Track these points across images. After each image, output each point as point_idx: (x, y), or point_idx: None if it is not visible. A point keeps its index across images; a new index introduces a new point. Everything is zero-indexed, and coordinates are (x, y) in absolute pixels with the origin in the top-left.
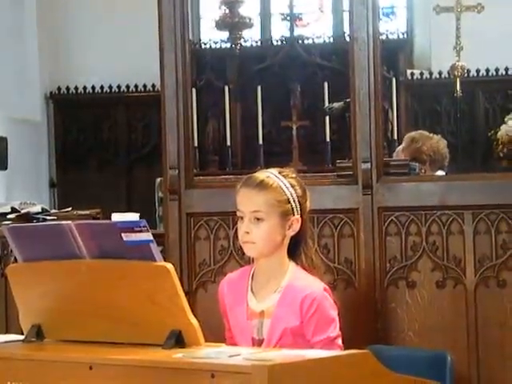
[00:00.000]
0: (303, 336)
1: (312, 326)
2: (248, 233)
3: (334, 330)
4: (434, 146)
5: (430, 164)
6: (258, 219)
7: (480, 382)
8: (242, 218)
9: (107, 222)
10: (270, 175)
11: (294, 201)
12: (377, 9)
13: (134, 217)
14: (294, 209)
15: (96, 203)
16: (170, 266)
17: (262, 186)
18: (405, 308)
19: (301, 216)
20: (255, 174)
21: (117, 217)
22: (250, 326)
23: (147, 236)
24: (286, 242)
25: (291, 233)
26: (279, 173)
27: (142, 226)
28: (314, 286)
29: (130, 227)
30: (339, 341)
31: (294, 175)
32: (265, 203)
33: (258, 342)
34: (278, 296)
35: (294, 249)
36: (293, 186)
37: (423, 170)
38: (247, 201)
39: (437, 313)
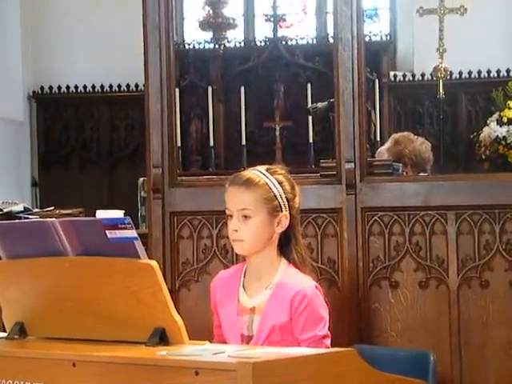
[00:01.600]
0: (292, 333)
1: (301, 323)
2: (236, 231)
3: (323, 330)
4: (416, 149)
5: (412, 167)
6: (245, 217)
7: (462, 382)
8: (230, 216)
9: (91, 218)
10: (256, 172)
11: (281, 197)
12: (361, 9)
13: (118, 214)
14: (282, 205)
15: (78, 203)
16: (154, 263)
17: (248, 183)
18: (388, 308)
19: (289, 212)
20: (242, 171)
21: (101, 214)
22: (240, 322)
23: (131, 233)
24: (276, 238)
25: (280, 229)
26: (267, 170)
27: (126, 223)
28: (305, 283)
29: (115, 224)
30: (327, 341)
31: (282, 171)
32: (252, 201)
33: (247, 339)
34: (269, 292)
35: (285, 245)
36: (280, 183)
37: (405, 173)
38: (234, 199)
39: (419, 313)
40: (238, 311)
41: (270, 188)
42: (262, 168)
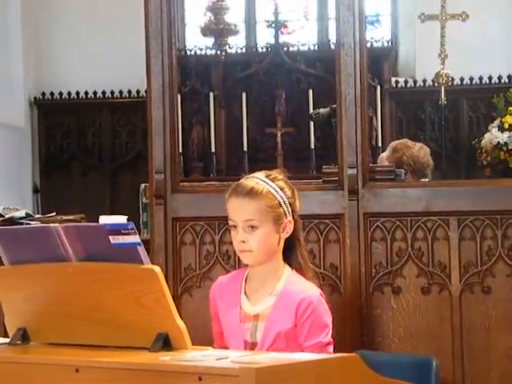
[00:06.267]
0: (296, 340)
1: (305, 330)
2: (244, 242)
3: (326, 337)
4: (414, 155)
5: (412, 173)
6: (252, 227)
7: None
8: (234, 226)
9: (95, 224)
10: (258, 181)
11: (285, 204)
12: (363, 15)
13: (121, 219)
14: (286, 212)
15: (80, 209)
16: (157, 268)
17: (252, 193)
18: (390, 314)
19: (292, 217)
20: (243, 181)
21: (104, 219)
22: (243, 329)
23: (135, 239)
24: (281, 244)
25: (286, 235)
26: (267, 176)
27: (129, 228)
28: (310, 290)
29: (118, 229)
30: (331, 348)
31: (281, 177)
32: (257, 211)
33: (250, 346)
34: (274, 299)
35: (288, 249)
36: (282, 189)
37: (406, 179)
38: (239, 210)
39: (422, 318)
40: (241, 318)
41: (274, 196)
42: (261, 175)
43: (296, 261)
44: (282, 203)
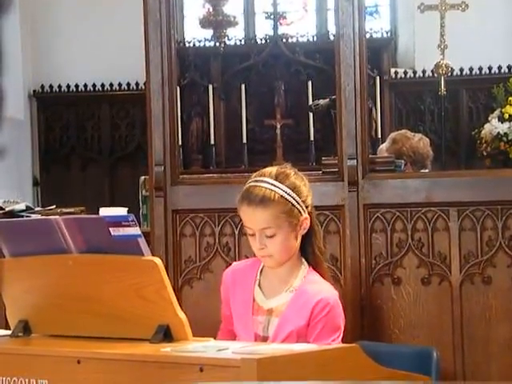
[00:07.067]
0: (307, 339)
1: (317, 330)
2: (263, 248)
3: (337, 339)
4: (413, 146)
5: (411, 164)
6: (269, 234)
7: (465, 378)
8: (252, 234)
9: (95, 216)
10: (269, 187)
11: (298, 204)
12: (362, 6)
13: (122, 211)
14: (301, 210)
15: (79, 202)
16: (157, 260)
17: (264, 202)
18: (390, 305)
19: (308, 211)
20: (253, 187)
21: (105, 211)
22: (255, 322)
23: (135, 230)
24: (299, 241)
25: (303, 231)
26: (276, 177)
27: (130, 220)
28: (328, 291)
29: (118, 222)
30: None
31: (292, 173)
32: (272, 219)
33: (261, 339)
34: (290, 296)
35: (305, 242)
36: (294, 188)
37: (406, 170)
38: (254, 219)
39: (422, 309)
40: (254, 310)
41: (287, 199)
42: (271, 176)
43: (313, 253)
44: (296, 204)
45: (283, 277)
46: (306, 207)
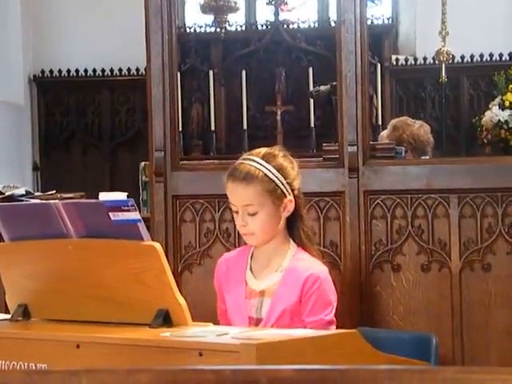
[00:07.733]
0: (300, 316)
1: (309, 306)
2: (245, 225)
3: (329, 314)
4: (414, 133)
5: (412, 151)
6: (251, 211)
7: (464, 365)
8: (235, 210)
9: (95, 200)
10: (254, 164)
11: (282, 184)
12: None
13: (121, 196)
14: (285, 191)
15: (79, 187)
16: (157, 245)
17: (248, 178)
18: (390, 291)
19: (293, 194)
20: (239, 164)
21: (104, 196)
22: (248, 305)
23: (135, 215)
24: (283, 222)
25: (287, 214)
26: (263, 157)
27: (129, 205)
28: (317, 266)
29: (118, 206)
30: (333, 327)
31: (281, 154)
32: (255, 195)
33: (255, 321)
34: (280, 275)
35: (291, 226)
36: (280, 169)
37: (406, 157)
38: (237, 195)
39: (422, 296)
40: (247, 294)
41: (270, 178)
42: (259, 155)
43: (299, 237)
44: (280, 184)
45: (272, 257)
46: (292, 190)
